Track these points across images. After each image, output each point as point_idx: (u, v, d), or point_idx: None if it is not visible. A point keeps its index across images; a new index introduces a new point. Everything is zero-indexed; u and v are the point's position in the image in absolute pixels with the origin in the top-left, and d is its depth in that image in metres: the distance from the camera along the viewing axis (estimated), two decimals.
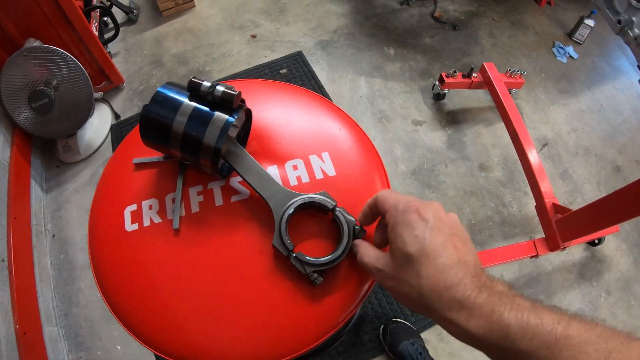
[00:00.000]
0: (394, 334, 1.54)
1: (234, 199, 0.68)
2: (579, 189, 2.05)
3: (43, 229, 1.91)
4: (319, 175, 0.69)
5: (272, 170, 0.69)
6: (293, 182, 0.68)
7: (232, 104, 0.60)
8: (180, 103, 0.61)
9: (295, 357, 0.60)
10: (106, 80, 2.25)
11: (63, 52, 1.79)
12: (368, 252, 0.55)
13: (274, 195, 0.61)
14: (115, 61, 2.35)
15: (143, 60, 2.48)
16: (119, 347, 1.64)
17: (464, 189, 1.99)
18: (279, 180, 0.67)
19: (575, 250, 1.88)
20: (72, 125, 1.95)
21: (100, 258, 0.69)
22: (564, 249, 1.60)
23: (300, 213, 0.63)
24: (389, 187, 0.71)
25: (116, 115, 2.22)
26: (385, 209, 0.53)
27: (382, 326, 1.61)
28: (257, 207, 0.66)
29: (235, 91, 0.60)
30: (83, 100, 1.90)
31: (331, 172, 0.69)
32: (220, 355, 0.60)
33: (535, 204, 1.72)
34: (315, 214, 0.65)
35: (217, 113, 0.60)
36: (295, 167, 0.69)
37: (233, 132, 0.68)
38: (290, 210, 0.60)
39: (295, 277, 0.61)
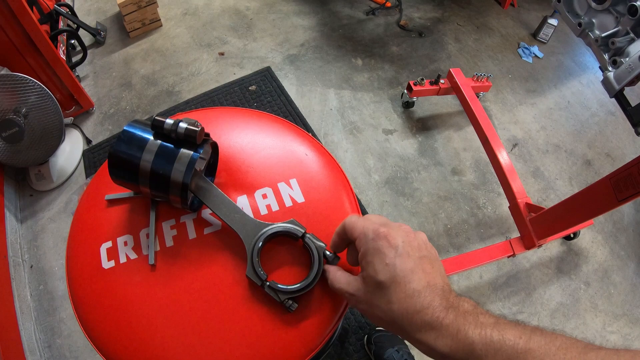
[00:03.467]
0: (378, 343, 1.55)
1: (206, 231, 0.68)
2: (551, 185, 2.10)
3: (20, 260, 1.87)
4: (288, 203, 0.70)
5: (242, 200, 0.70)
6: (263, 211, 0.69)
7: (195, 140, 0.61)
8: (146, 141, 0.62)
9: None
10: (76, 105, 2.23)
11: (31, 80, 1.77)
12: (339, 278, 0.56)
13: (244, 227, 0.63)
14: (84, 85, 2.34)
15: (112, 82, 2.46)
16: None
17: (438, 194, 2.02)
18: (249, 211, 0.69)
19: (551, 246, 1.92)
20: (44, 152, 1.93)
21: (79, 295, 0.69)
22: (540, 246, 1.63)
23: (272, 241, 0.64)
24: (357, 209, 0.73)
25: (87, 140, 2.20)
26: (355, 236, 0.54)
27: (366, 336, 1.62)
28: (230, 238, 0.67)
29: (198, 127, 0.61)
30: (53, 127, 1.88)
31: (300, 198, 0.70)
32: None
33: (508, 204, 1.75)
34: (286, 242, 0.66)
35: (182, 150, 0.61)
36: (264, 196, 0.70)
37: (200, 166, 0.68)
38: (260, 243, 0.61)
39: (272, 305, 0.62)
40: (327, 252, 0.61)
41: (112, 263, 0.68)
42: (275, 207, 0.70)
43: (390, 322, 0.50)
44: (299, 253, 0.66)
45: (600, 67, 1.38)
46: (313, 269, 0.60)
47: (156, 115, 0.63)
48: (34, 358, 1.63)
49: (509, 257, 1.67)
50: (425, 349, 0.48)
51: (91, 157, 2.14)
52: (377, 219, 0.54)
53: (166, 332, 0.63)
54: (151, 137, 0.63)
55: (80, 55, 2.41)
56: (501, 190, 1.89)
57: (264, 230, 0.62)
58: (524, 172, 2.11)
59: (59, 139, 1.92)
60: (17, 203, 2.04)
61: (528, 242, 1.64)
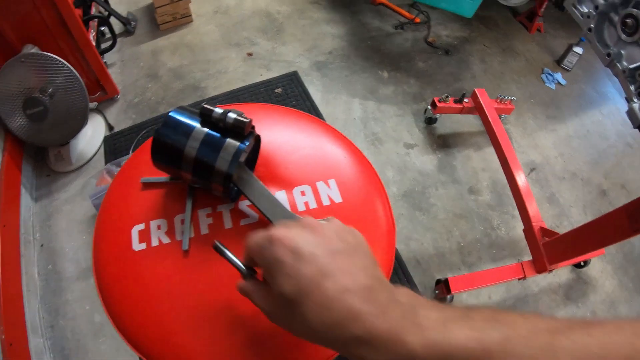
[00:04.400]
0: None
1: (243, 222, 0.69)
2: (565, 212, 2.09)
3: (31, 238, 1.88)
4: (325, 202, 0.71)
5: (281, 196, 0.71)
6: (301, 207, 0.70)
7: (243, 131, 0.62)
8: (192, 128, 0.63)
9: None
10: (101, 91, 2.25)
11: (60, 60, 1.79)
12: (256, 293, 0.48)
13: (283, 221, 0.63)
14: (111, 72, 2.35)
15: (139, 72, 2.48)
16: None
17: (453, 211, 2.02)
18: (287, 206, 0.69)
19: (561, 272, 1.91)
20: (66, 134, 1.94)
21: (105, 276, 0.69)
22: (551, 271, 1.63)
23: None
24: (391, 215, 0.73)
25: (110, 127, 2.21)
26: (252, 255, 0.46)
27: None
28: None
29: (246, 119, 0.62)
30: (78, 109, 1.89)
31: (337, 198, 0.71)
32: None
33: (523, 227, 1.75)
34: None
35: (228, 140, 0.62)
36: (302, 193, 0.71)
37: (243, 156, 0.69)
38: None
39: None
40: (242, 267, 0.52)
41: (143, 245, 0.69)
42: (313, 205, 0.70)
43: (315, 338, 0.41)
44: None
45: (625, 98, 1.38)
46: None
47: (204, 104, 0.64)
48: (35, 336, 1.63)
49: (519, 279, 1.66)
50: None
51: (112, 144, 2.15)
52: (277, 225, 0.46)
53: (193, 318, 0.63)
54: (198, 125, 0.64)
55: (109, 43, 2.43)
56: (516, 212, 1.88)
57: None
58: (539, 197, 2.10)
59: (82, 122, 1.93)
60: (33, 182, 2.05)
61: (540, 266, 1.64)
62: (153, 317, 0.64)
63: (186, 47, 2.63)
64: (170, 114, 0.65)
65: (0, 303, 1.51)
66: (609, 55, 1.45)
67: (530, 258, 1.69)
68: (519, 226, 1.82)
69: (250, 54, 2.59)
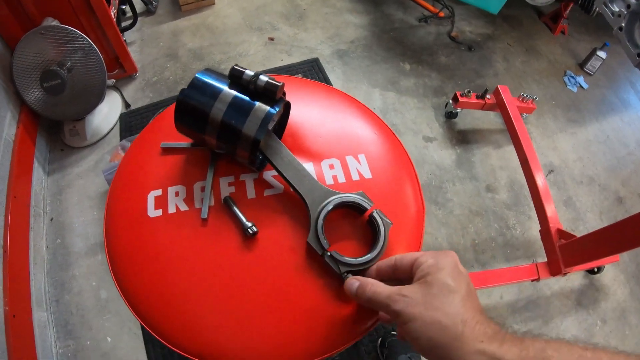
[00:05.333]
0: (391, 347, 1.52)
1: (267, 192, 0.66)
2: (581, 217, 2.05)
3: (41, 212, 1.87)
4: (355, 177, 0.68)
5: (308, 168, 0.68)
6: (329, 180, 0.67)
7: (275, 95, 0.59)
8: (220, 90, 0.61)
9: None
10: (119, 69, 2.23)
11: (81, 35, 1.77)
12: (381, 283, 0.52)
13: (311, 192, 0.60)
14: (131, 50, 2.33)
15: (158, 52, 2.47)
16: (109, 339, 1.60)
17: (469, 208, 1.99)
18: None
19: (574, 277, 1.88)
20: (82, 109, 1.93)
21: (116, 241, 0.67)
22: (565, 274, 1.59)
23: (334, 213, 0.62)
24: (421, 195, 0.71)
25: (126, 104, 2.20)
26: (416, 257, 0.52)
27: (380, 339, 1.59)
28: (290, 203, 0.65)
29: (279, 82, 0.59)
30: (95, 85, 1.88)
31: (367, 174, 0.68)
32: (241, 354, 0.58)
33: (539, 228, 1.71)
34: (349, 215, 0.64)
35: (258, 103, 0.59)
36: (331, 166, 0.69)
37: (271, 124, 0.67)
38: (330, 207, 0.59)
39: (327, 277, 0.60)
40: (348, 275, 0.56)
41: (159, 212, 0.66)
42: (341, 179, 0.67)
43: (448, 329, 0.44)
44: (361, 228, 0.63)
45: None
46: (378, 244, 0.57)
47: (235, 65, 0.62)
48: (40, 310, 1.62)
49: (533, 280, 1.63)
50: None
51: (128, 121, 2.14)
52: None
53: (209, 290, 0.60)
54: (226, 87, 0.61)
55: (130, 21, 2.42)
56: (532, 213, 1.85)
57: (333, 197, 0.60)
58: (556, 200, 2.06)
59: (99, 98, 1.92)
60: (47, 155, 2.04)
61: (554, 269, 1.60)
62: (164, 286, 0.62)
63: (207, 29, 2.61)
64: (197, 75, 0.63)
65: (7, 274, 1.49)
66: (639, 55, 1.42)
67: (545, 260, 1.65)
68: (535, 227, 1.80)
69: (271, 39, 2.57)
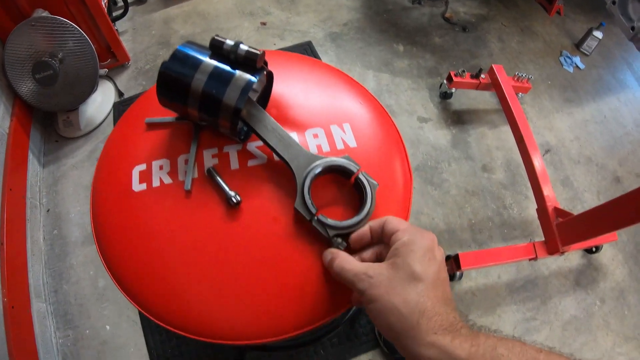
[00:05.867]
0: None
1: (250, 163, 0.66)
2: (579, 196, 2.05)
3: (38, 203, 1.87)
4: (339, 145, 0.67)
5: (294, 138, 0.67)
6: (313, 150, 0.67)
7: (255, 63, 0.59)
8: (200, 61, 0.60)
9: (309, 330, 0.58)
10: (112, 58, 2.22)
11: (72, 25, 1.76)
12: (351, 260, 0.52)
13: (296, 158, 0.60)
14: (122, 39, 2.31)
15: (150, 40, 2.45)
16: (108, 327, 1.61)
17: (466, 188, 1.98)
18: None
19: (572, 257, 1.88)
20: (75, 99, 1.92)
21: (102, 217, 0.67)
22: (562, 253, 1.59)
23: (321, 178, 0.61)
24: (408, 163, 0.70)
25: (120, 93, 2.19)
26: (402, 229, 0.51)
27: None
28: (275, 171, 0.64)
29: (259, 51, 0.59)
30: (88, 75, 1.87)
31: (352, 143, 0.68)
32: (229, 325, 0.58)
33: (536, 207, 1.71)
34: (335, 180, 0.63)
35: (238, 72, 0.59)
36: (315, 136, 0.68)
37: (254, 95, 0.66)
38: (317, 170, 0.58)
39: (317, 244, 0.59)
40: (337, 239, 0.56)
41: (143, 186, 0.66)
42: (326, 148, 0.67)
43: (404, 317, 0.45)
44: (348, 193, 0.63)
45: None
46: (365, 206, 0.57)
47: (215, 35, 0.61)
48: (38, 300, 1.63)
49: (530, 259, 1.63)
50: (437, 353, 0.43)
51: (121, 110, 2.12)
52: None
53: (195, 262, 0.60)
54: (206, 58, 0.60)
55: (121, 11, 2.40)
56: (529, 193, 1.85)
57: (319, 162, 0.59)
58: (553, 179, 2.06)
59: (91, 88, 1.91)
60: (41, 147, 2.04)
61: (552, 247, 1.60)
62: (148, 259, 0.61)
63: (199, 15, 2.59)
64: (179, 47, 0.62)
65: (4, 266, 1.49)
66: (632, 29, 1.41)
67: (542, 240, 1.65)
68: (532, 207, 1.79)
69: (264, 23, 2.55)
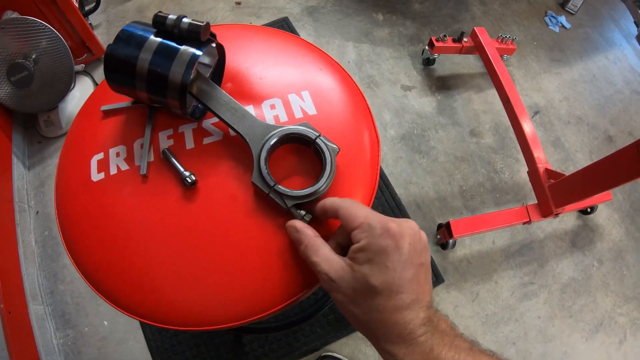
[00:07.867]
0: None
1: (206, 141, 0.63)
2: (571, 157, 2.03)
3: (26, 206, 1.86)
4: (298, 114, 0.65)
5: (248, 111, 0.65)
6: (270, 121, 0.64)
7: (199, 35, 0.56)
8: (145, 39, 0.58)
9: (284, 307, 0.57)
10: (88, 53, 2.18)
11: (42, 24, 1.73)
12: (318, 250, 0.49)
13: (251, 130, 0.57)
14: (97, 33, 2.28)
15: None
16: (105, 322, 1.61)
17: (454, 154, 1.96)
18: None
19: (567, 219, 1.87)
20: (53, 98, 1.90)
21: (65, 210, 0.66)
22: (556, 215, 1.57)
23: (280, 149, 0.59)
24: (374, 127, 0.68)
25: None
26: (355, 225, 0.47)
27: None
28: (231, 147, 0.62)
29: (202, 22, 0.56)
30: (63, 72, 1.84)
31: (311, 110, 0.65)
32: (197, 309, 0.56)
33: (527, 169, 1.68)
34: (296, 150, 0.61)
35: (183, 47, 0.56)
36: (272, 107, 0.65)
37: (207, 71, 0.64)
38: (273, 140, 0.56)
39: (279, 218, 0.57)
40: (300, 211, 0.54)
41: (101, 175, 0.64)
42: (283, 118, 0.64)
43: (363, 324, 0.47)
44: (310, 162, 0.60)
45: (635, 22, 1.31)
46: (325, 172, 0.54)
47: (159, 12, 0.59)
48: (35, 303, 1.62)
49: (524, 223, 1.61)
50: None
51: None
52: (382, 215, 0.48)
53: (158, 247, 0.58)
54: (151, 36, 0.58)
55: (93, 4, 2.36)
56: (520, 156, 1.82)
57: (275, 132, 0.56)
58: (544, 141, 2.03)
59: (68, 84, 1.89)
60: (25, 150, 2.01)
61: (545, 210, 1.58)
62: (113, 247, 0.60)
63: (172, 1, 2.53)
64: (123, 27, 0.60)
65: None
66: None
67: (535, 202, 1.63)
68: (523, 170, 1.78)
69: (238, 3, 2.49)
